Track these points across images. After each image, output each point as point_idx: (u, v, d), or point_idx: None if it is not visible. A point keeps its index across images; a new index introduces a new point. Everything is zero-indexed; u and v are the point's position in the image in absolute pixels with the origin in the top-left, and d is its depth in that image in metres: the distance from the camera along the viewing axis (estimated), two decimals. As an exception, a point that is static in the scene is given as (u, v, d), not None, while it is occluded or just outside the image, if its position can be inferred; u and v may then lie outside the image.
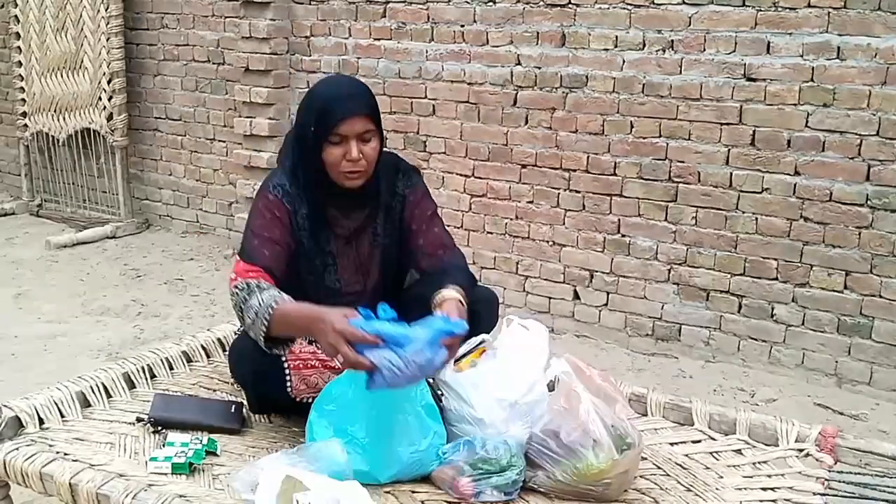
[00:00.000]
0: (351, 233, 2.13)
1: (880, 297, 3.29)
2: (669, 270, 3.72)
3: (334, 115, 1.98)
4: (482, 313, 2.20)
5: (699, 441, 2.16)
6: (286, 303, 1.87)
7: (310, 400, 2.02)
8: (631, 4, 3.63)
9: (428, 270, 2.15)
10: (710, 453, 2.11)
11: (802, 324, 3.46)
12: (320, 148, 2.00)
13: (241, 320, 1.95)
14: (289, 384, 2.07)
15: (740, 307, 3.59)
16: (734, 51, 3.44)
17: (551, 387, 2.11)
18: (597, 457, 1.83)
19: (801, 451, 2.06)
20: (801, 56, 3.31)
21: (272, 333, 1.88)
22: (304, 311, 1.84)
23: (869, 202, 3.27)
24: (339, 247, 2.12)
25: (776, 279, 3.49)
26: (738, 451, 2.12)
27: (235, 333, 2.32)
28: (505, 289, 4.13)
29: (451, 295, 1.98)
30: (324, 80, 2.22)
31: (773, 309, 3.51)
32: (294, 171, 2.08)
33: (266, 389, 2.09)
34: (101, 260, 5.02)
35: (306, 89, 4.59)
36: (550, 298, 4.04)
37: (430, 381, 2.25)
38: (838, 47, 3.24)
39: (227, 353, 2.44)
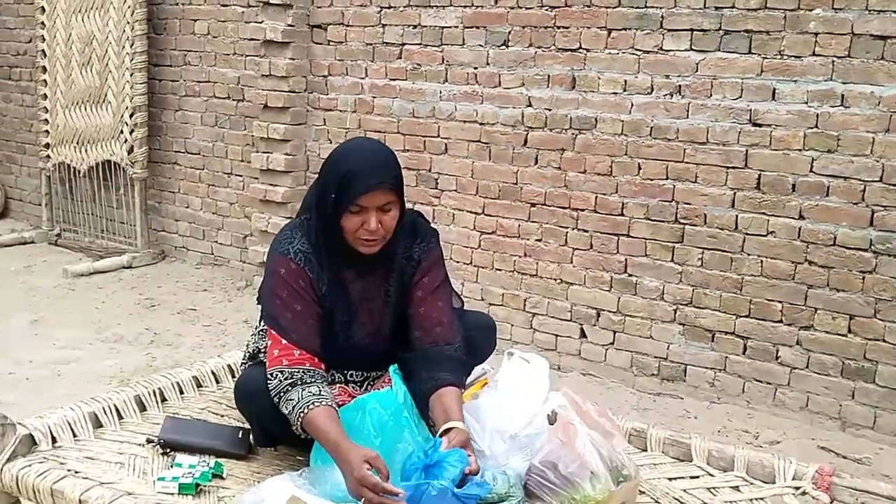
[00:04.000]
0: (365, 293, 2.16)
1: (884, 341, 3.31)
2: (675, 311, 3.76)
3: (356, 187, 1.97)
4: (480, 340, 2.24)
5: (697, 476, 2.19)
6: (320, 414, 1.91)
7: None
8: (640, 50, 3.72)
9: (418, 346, 2.14)
10: (708, 489, 2.13)
11: (807, 367, 3.48)
12: (339, 215, 2.01)
13: (276, 403, 2.00)
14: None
15: (745, 349, 3.61)
16: (740, 96, 3.51)
17: (551, 420, 2.15)
18: (594, 488, 1.86)
19: (797, 488, 2.09)
20: (806, 103, 3.38)
21: (301, 430, 1.96)
22: (331, 438, 1.87)
23: (873, 247, 3.31)
24: (353, 307, 2.15)
25: (781, 321, 3.52)
26: (736, 488, 2.14)
27: (242, 364, 2.36)
28: (512, 325, 4.18)
29: (458, 425, 1.96)
30: (349, 145, 2.17)
31: (777, 351, 3.53)
32: (316, 231, 2.09)
33: (271, 426, 2.13)
34: (116, 289, 5.11)
35: (323, 127, 4.80)
36: (557, 336, 4.08)
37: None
38: (842, 95, 3.31)
39: (236, 380, 2.50)
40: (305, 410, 1.92)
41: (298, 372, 1.99)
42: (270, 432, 2.16)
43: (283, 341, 2.02)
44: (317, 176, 2.14)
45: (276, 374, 2.00)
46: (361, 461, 1.78)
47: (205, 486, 1.96)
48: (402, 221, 2.11)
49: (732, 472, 2.18)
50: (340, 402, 2.10)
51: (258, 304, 2.21)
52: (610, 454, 1.91)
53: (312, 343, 2.04)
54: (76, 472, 1.97)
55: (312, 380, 1.99)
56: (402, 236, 2.13)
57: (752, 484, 2.14)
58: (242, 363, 2.34)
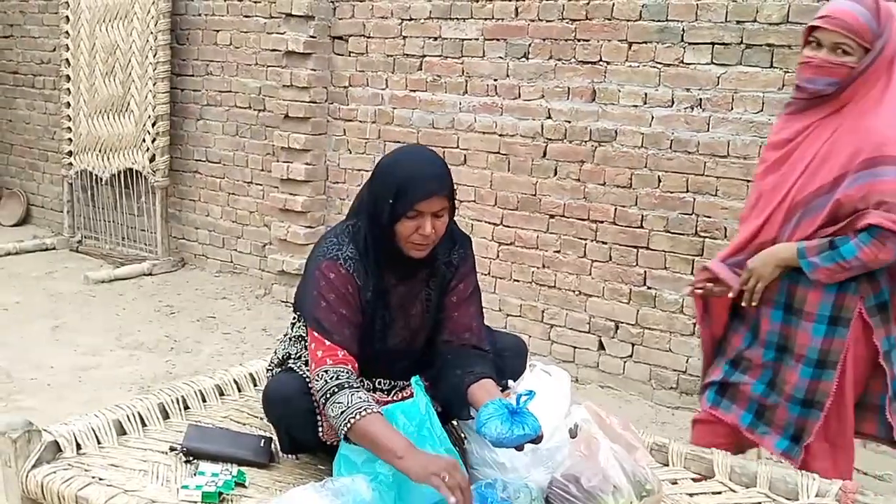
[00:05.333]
0: (405, 299, 2.17)
1: (907, 357, 3.28)
2: (695, 324, 3.75)
3: (415, 193, 1.99)
4: (510, 362, 2.24)
5: (719, 493, 2.17)
6: (375, 420, 1.90)
7: (339, 443, 2.08)
8: (661, 63, 3.72)
9: (445, 349, 2.17)
10: (730, 505, 2.12)
11: (828, 382, 3.44)
12: (395, 220, 2.03)
13: (321, 403, 1.99)
14: (320, 429, 2.11)
15: (765, 363, 3.59)
16: (761, 110, 3.51)
17: (573, 433, 2.15)
18: (616, 502, 1.86)
19: (821, 505, 2.07)
20: (828, 117, 3.36)
21: (349, 435, 1.94)
22: (397, 441, 1.87)
23: (895, 262, 3.28)
24: (392, 312, 2.16)
25: (801, 336, 3.49)
26: (758, 505, 2.13)
27: (267, 371, 2.38)
28: (530, 337, 4.17)
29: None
30: (405, 152, 2.20)
31: (798, 366, 3.51)
32: (365, 236, 2.11)
33: (297, 432, 2.14)
34: (136, 296, 5.15)
35: (343, 137, 4.83)
36: (575, 348, 4.08)
37: (455, 423, 2.30)
38: (865, 109, 3.29)
39: (258, 388, 2.52)
40: (357, 416, 1.90)
41: (344, 373, 1.98)
42: (297, 439, 2.17)
43: (327, 342, 2.02)
44: (368, 182, 2.15)
45: (322, 375, 1.99)
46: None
47: (228, 494, 1.97)
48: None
49: (755, 489, 2.17)
50: None
51: (294, 309, 2.23)
52: (633, 468, 1.91)
53: (354, 348, 2.05)
54: (100, 479, 1.98)
55: (359, 385, 2.00)
56: (441, 242, 2.14)
57: (774, 501, 2.12)
58: (268, 369, 2.35)
